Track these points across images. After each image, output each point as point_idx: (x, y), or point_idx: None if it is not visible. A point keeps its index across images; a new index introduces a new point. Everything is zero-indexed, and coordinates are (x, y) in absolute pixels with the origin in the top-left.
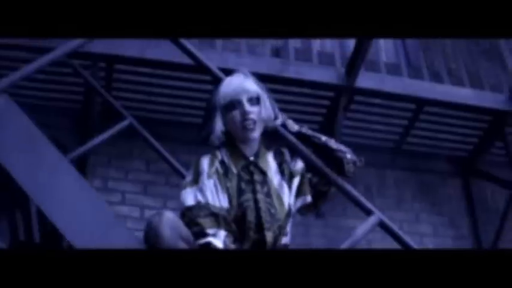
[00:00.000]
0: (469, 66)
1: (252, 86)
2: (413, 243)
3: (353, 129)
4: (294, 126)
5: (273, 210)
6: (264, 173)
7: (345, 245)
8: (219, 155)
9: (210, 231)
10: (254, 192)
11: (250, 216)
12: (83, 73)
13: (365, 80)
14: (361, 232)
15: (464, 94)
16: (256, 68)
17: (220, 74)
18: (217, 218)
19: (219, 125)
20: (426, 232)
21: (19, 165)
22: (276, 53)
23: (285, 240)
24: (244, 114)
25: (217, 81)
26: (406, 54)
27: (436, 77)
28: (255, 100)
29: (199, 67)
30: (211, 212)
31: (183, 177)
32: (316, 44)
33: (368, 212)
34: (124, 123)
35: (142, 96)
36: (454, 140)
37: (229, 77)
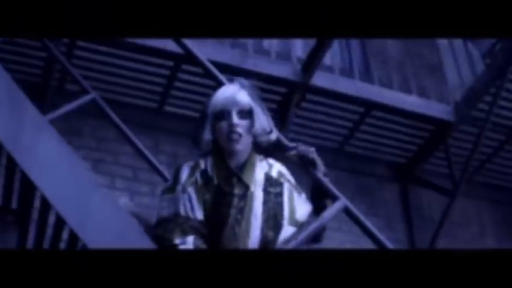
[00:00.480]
0: (416, 76)
1: (244, 98)
2: (350, 243)
3: (301, 126)
4: (289, 144)
5: (237, 230)
6: (246, 186)
7: (312, 227)
8: (202, 164)
9: (177, 241)
10: (229, 206)
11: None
12: (48, 45)
13: (319, 79)
14: (328, 215)
15: (411, 101)
16: (216, 58)
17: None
18: (184, 228)
19: (207, 133)
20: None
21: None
22: (237, 44)
23: None
24: (231, 126)
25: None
26: (358, 60)
27: (385, 84)
28: (246, 113)
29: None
30: (180, 223)
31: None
32: (275, 40)
33: (334, 198)
34: (87, 98)
35: (101, 75)
36: (396, 146)
37: (225, 86)
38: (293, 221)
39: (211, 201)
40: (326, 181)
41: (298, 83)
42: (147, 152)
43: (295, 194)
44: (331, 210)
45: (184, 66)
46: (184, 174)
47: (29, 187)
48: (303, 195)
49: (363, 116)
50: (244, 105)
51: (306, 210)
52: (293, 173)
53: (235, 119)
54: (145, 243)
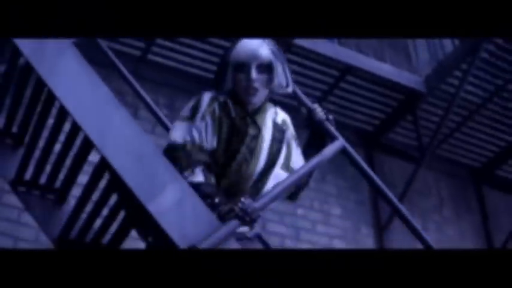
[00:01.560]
0: (390, 47)
1: (265, 52)
2: (318, 202)
3: None
4: (321, 115)
5: (244, 167)
6: (258, 129)
7: (312, 163)
8: (221, 97)
9: (185, 173)
10: (241, 143)
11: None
12: None
13: (301, 40)
14: (328, 153)
15: (385, 69)
16: None
17: None
18: (191, 159)
19: (228, 81)
20: (331, 192)
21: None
22: None
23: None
24: (249, 81)
25: None
26: None
27: (361, 51)
28: (265, 67)
29: None
30: (188, 153)
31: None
32: None
33: (333, 138)
34: None
35: None
36: (365, 112)
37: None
38: (286, 167)
39: (226, 134)
40: (327, 124)
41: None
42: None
43: (293, 143)
44: (331, 147)
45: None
46: (205, 102)
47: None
48: (299, 150)
49: (337, 80)
50: (264, 59)
51: (300, 161)
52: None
53: (254, 73)
54: (161, 163)
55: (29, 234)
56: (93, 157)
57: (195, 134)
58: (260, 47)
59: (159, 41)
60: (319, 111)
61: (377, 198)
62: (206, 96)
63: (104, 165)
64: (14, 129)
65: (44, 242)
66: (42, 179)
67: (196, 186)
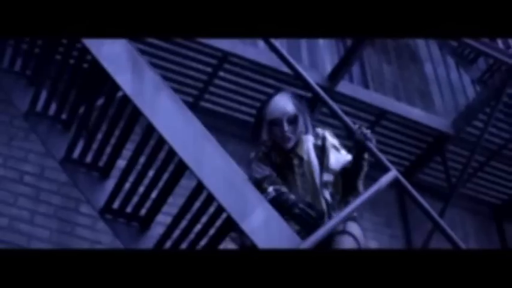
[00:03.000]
0: (407, 99)
1: (291, 108)
2: None
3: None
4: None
5: (305, 186)
6: (301, 157)
7: (367, 195)
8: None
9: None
10: (293, 172)
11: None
12: None
13: (344, 87)
14: (384, 182)
15: (416, 113)
16: None
17: None
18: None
19: (264, 134)
20: (367, 227)
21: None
22: None
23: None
24: (283, 132)
25: None
26: (358, 78)
27: (393, 95)
28: (293, 119)
29: None
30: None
31: None
32: None
33: (386, 169)
34: None
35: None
36: (396, 154)
37: (277, 96)
38: (326, 168)
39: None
40: (378, 153)
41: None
42: None
43: (330, 147)
44: (385, 179)
45: (226, 65)
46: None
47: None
48: (343, 151)
49: (372, 124)
50: (291, 114)
51: (340, 158)
52: None
53: (286, 126)
54: (249, 189)
55: None
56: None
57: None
58: (287, 104)
59: (212, 88)
60: (360, 133)
61: (409, 233)
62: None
63: (199, 188)
64: (101, 163)
65: None
66: (129, 208)
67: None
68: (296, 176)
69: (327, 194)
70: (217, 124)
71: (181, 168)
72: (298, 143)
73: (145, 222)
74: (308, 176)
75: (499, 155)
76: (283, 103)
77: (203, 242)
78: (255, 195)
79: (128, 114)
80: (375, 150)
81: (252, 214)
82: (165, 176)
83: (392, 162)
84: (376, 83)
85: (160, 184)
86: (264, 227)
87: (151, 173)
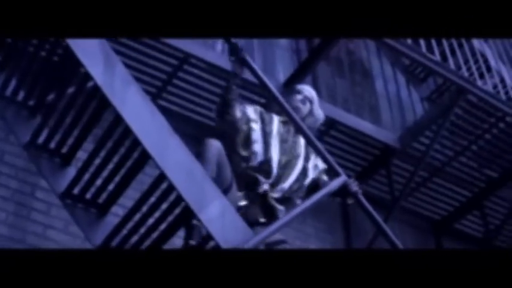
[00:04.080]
0: (357, 113)
1: None
2: (300, 240)
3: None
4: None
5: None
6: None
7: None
8: None
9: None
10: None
11: None
12: None
13: None
14: (330, 188)
15: (365, 126)
16: None
17: None
18: None
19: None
20: (310, 232)
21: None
22: None
23: None
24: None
25: None
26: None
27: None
28: None
29: None
30: None
31: None
32: None
33: (337, 174)
34: None
35: None
36: (342, 165)
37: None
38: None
39: None
40: (330, 158)
41: None
42: None
43: None
44: (335, 183)
45: (186, 66)
46: None
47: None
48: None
49: (321, 133)
50: None
51: None
52: None
53: None
54: (207, 183)
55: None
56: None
57: None
58: None
59: (170, 87)
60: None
61: (350, 240)
62: None
63: (160, 178)
64: (64, 149)
65: None
66: (89, 194)
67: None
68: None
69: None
70: (172, 123)
71: (144, 158)
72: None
73: (104, 209)
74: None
75: (441, 171)
76: None
77: (162, 227)
78: (213, 189)
79: (96, 104)
80: (327, 155)
81: (209, 205)
82: (127, 166)
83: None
84: (327, 95)
85: (122, 173)
86: (220, 218)
87: (113, 162)
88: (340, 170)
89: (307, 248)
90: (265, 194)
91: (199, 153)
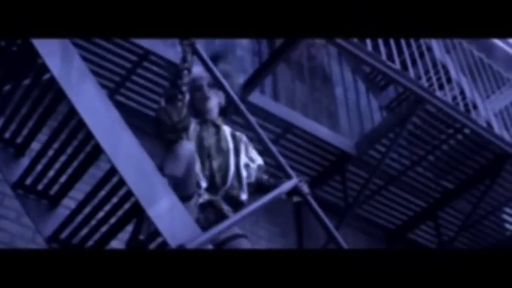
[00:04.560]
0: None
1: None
2: (251, 242)
3: None
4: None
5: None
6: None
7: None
8: None
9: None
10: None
11: None
12: None
13: (256, 98)
14: (285, 188)
15: (322, 131)
16: None
17: None
18: None
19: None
20: (263, 235)
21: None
22: None
23: None
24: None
25: None
26: (270, 93)
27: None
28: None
29: None
30: None
31: None
32: None
33: (289, 177)
34: None
35: None
36: (298, 169)
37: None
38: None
39: None
40: (282, 161)
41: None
42: None
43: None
44: (287, 185)
45: (146, 63)
46: None
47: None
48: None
49: (278, 136)
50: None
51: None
52: None
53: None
54: (157, 177)
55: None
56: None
57: None
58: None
59: (128, 83)
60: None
61: (302, 244)
62: None
63: (112, 172)
64: (19, 140)
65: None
66: (41, 186)
67: None
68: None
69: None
70: (129, 118)
71: (96, 152)
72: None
73: (55, 201)
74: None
75: (397, 180)
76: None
77: (112, 221)
78: (163, 185)
79: (51, 96)
80: (279, 157)
81: (158, 201)
82: (79, 159)
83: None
84: (287, 98)
85: (74, 165)
86: (169, 214)
87: (66, 154)
88: (291, 172)
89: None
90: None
91: (171, 150)
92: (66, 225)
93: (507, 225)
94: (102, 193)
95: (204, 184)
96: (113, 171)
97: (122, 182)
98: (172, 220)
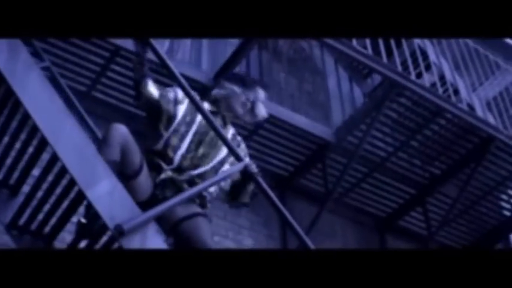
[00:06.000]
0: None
1: None
2: (232, 232)
3: None
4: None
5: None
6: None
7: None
8: None
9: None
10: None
11: None
12: None
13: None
14: (233, 170)
15: (300, 120)
16: None
17: None
18: None
19: None
20: (244, 225)
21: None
22: None
23: None
24: None
25: None
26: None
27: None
28: None
29: None
30: None
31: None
32: None
33: (239, 159)
34: (42, 64)
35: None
36: (281, 159)
37: None
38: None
39: None
40: (232, 145)
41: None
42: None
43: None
44: (236, 167)
45: (118, 59)
46: None
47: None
48: None
49: (256, 127)
50: None
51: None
52: None
53: None
54: (98, 161)
55: None
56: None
57: None
58: None
59: (104, 79)
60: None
61: (286, 234)
62: None
63: (54, 159)
64: None
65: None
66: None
67: None
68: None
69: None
70: (106, 113)
71: (44, 141)
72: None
73: (15, 190)
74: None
75: (382, 167)
76: None
77: (64, 205)
78: (104, 169)
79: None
80: (230, 143)
81: (98, 184)
82: (29, 152)
83: (277, 167)
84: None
85: (28, 153)
86: (108, 196)
87: (15, 150)
88: (240, 154)
89: (238, 240)
90: (170, 178)
91: (103, 138)
92: (23, 212)
93: (505, 212)
94: (50, 178)
95: (175, 162)
96: (55, 157)
97: (64, 169)
98: (112, 201)
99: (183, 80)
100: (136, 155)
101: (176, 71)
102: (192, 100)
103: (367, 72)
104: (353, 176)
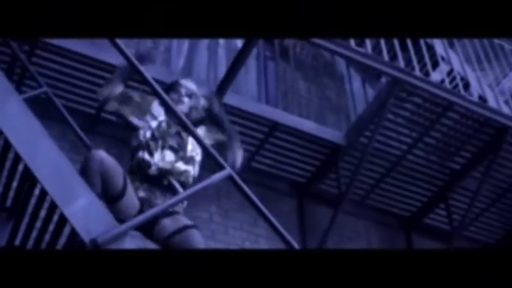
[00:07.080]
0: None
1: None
2: (250, 242)
3: None
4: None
5: None
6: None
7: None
8: None
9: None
10: None
11: None
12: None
13: (231, 99)
14: (216, 179)
15: (308, 125)
16: None
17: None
18: None
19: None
20: (262, 234)
21: None
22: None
23: None
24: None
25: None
26: (272, 93)
27: (287, 109)
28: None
29: None
30: None
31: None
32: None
33: (221, 167)
34: (39, 90)
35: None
36: (297, 166)
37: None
38: None
39: None
40: (215, 154)
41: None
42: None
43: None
44: (219, 175)
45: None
46: None
47: None
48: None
49: (266, 135)
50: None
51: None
52: None
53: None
54: (77, 178)
55: None
56: None
57: None
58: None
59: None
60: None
61: (305, 242)
62: None
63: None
64: None
65: None
66: None
67: None
68: None
69: None
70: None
71: (18, 159)
72: None
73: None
74: None
75: (400, 166)
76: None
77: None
78: (81, 186)
79: None
80: (213, 152)
81: (75, 201)
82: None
83: (293, 174)
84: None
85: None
86: (83, 211)
87: None
88: (223, 162)
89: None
90: (160, 173)
91: (81, 169)
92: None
93: None
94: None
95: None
96: (31, 176)
97: (44, 190)
98: (87, 216)
99: (157, 87)
100: (118, 177)
101: (149, 77)
102: (170, 109)
103: (378, 72)
104: (371, 177)
